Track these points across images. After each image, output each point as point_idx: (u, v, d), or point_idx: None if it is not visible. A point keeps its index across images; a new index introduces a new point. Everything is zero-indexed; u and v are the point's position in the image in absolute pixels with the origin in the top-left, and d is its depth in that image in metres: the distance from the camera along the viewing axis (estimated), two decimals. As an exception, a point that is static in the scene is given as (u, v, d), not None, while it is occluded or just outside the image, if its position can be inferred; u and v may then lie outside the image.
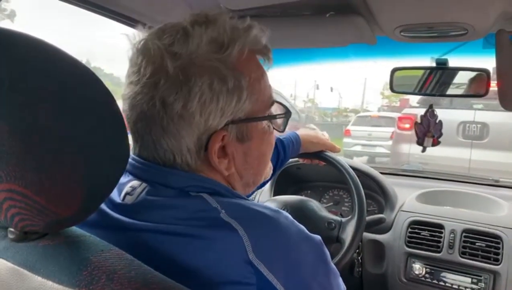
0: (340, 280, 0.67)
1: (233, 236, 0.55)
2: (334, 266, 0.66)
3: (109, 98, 0.51)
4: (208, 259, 0.55)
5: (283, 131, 0.74)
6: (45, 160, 0.47)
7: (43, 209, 0.49)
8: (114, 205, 0.63)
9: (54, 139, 0.47)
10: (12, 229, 0.52)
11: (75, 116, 0.48)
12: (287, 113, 0.73)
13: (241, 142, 0.66)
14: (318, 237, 0.64)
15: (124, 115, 0.64)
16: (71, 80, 0.48)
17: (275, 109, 0.71)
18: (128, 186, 0.65)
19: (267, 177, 0.79)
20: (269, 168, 0.78)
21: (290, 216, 0.62)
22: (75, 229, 0.56)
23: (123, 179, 0.67)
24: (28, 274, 0.49)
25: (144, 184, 0.64)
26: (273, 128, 0.71)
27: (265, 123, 0.68)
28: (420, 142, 1.42)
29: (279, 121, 0.73)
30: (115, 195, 0.65)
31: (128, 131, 0.60)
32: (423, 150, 1.43)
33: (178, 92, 0.59)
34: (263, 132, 0.69)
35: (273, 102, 0.70)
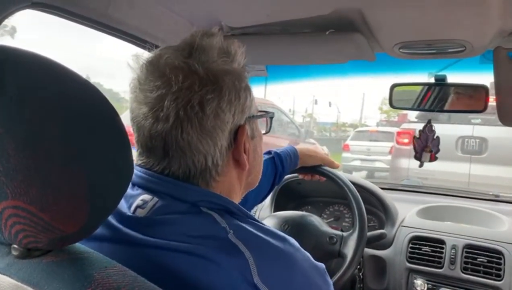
0: None
1: (240, 258, 0.56)
2: None
3: (113, 114, 0.52)
4: (214, 279, 0.55)
5: (268, 131, 0.84)
6: (50, 176, 0.47)
7: (48, 226, 0.49)
8: (123, 218, 0.63)
9: (60, 155, 0.47)
10: (15, 246, 0.52)
11: (80, 133, 0.48)
12: (270, 112, 0.81)
13: (252, 138, 0.72)
14: (322, 265, 0.66)
15: (137, 134, 0.67)
16: (76, 97, 0.49)
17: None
18: (139, 199, 0.65)
19: (256, 183, 0.80)
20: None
21: (296, 243, 0.63)
22: (79, 246, 0.56)
23: (133, 192, 0.67)
24: None
25: (156, 198, 0.65)
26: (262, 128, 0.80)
27: (262, 121, 0.77)
28: (418, 157, 1.42)
29: (268, 122, 0.85)
30: (123, 208, 0.65)
31: (133, 146, 0.61)
32: (421, 165, 1.44)
33: (213, 91, 0.63)
34: (260, 130, 0.76)
35: None
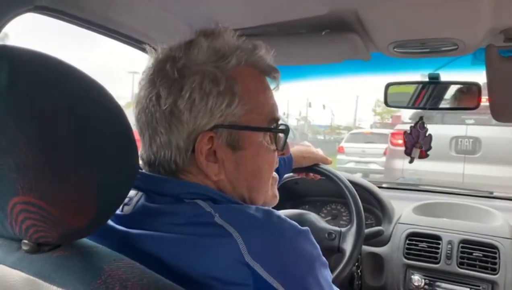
0: (328, 270, 0.68)
1: (228, 240, 0.57)
2: (324, 257, 0.67)
3: (120, 113, 0.53)
4: (205, 264, 0.57)
5: (282, 149, 0.74)
6: (60, 172, 0.49)
7: (57, 221, 0.50)
8: (115, 217, 0.66)
9: (69, 152, 0.49)
10: (26, 241, 0.53)
11: (89, 131, 0.50)
12: (284, 130, 0.73)
13: (233, 149, 0.67)
14: (307, 228, 0.65)
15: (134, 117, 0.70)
16: (85, 95, 0.51)
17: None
18: None
19: (269, 202, 0.77)
20: (271, 193, 0.77)
21: (282, 215, 0.63)
22: (86, 241, 0.57)
23: None
24: (43, 284, 0.50)
25: (140, 193, 0.67)
26: (268, 144, 0.71)
27: (260, 136, 0.69)
28: (408, 152, 1.43)
29: (278, 139, 0.73)
30: None
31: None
32: (411, 161, 1.45)
33: (170, 88, 0.64)
34: (259, 146, 0.69)
35: (274, 118, 0.71)
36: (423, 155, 1.40)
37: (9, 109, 0.46)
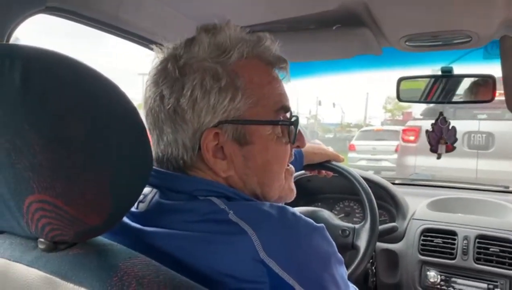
0: (344, 267, 0.67)
1: (243, 237, 0.57)
2: (339, 254, 0.66)
3: (134, 111, 0.53)
4: (219, 261, 0.56)
5: (293, 142, 0.72)
6: (75, 171, 0.49)
7: (73, 219, 0.50)
8: (130, 214, 0.66)
9: (84, 151, 0.48)
10: (42, 240, 0.54)
11: (104, 130, 0.50)
12: (294, 122, 0.71)
13: (240, 144, 0.66)
14: (322, 225, 0.64)
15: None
16: (98, 94, 0.51)
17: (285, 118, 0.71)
18: None
19: (285, 196, 0.76)
20: (287, 186, 0.76)
21: (296, 211, 0.63)
22: (101, 238, 0.58)
23: None
24: (60, 282, 0.50)
25: (154, 190, 0.67)
26: (280, 137, 0.69)
27: (269, 129, 0.67)
28: (434, 149, 1.42)
29: (289, 131, 0.71)
30: None
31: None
32: (438, 157, 1.43)
33: (172, 87, 0.64)
34: (267, 139, 0.68)
35: (282, 108, 0.69)
36: (450, 149, 1.38)
37: (24, 109, 0.46)
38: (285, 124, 0.70)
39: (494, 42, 1.15)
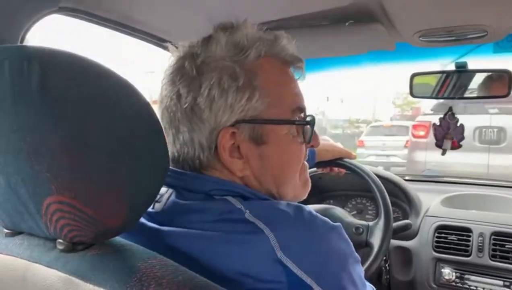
0: (361, 266, 0.67)
1: (260, 237, 0.56)
2: (356, 254, 0.65)
3: (150, 111, 0.53)
4: (236, 261, 0.56)
5: (308, 142, 0.72)
6: (93, 172, 0.49)
7: (91, 220, 0.50)
8: (147, 214, 0.66)
9: (102, 152, 0.48)
10: (61, 240, 0.54)
11: (120, 130, 0.50)
12: (309, 122, 0.71)
13: (256, 144, 0.66)
14: (339, 224, 0.64)
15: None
16: (116, 95, 0.50)
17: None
18: None
19: (299, 193, 0.76)
20: (301, 182, 0.75)
21: (313, 210, 0.62)
22: (119, 239, 0.58)
23: None
24: (80, 282, 0.50)
25: (170, 190, 0.67)
26: (295, 137, 0.69)
27: (285, 129, 0.67)
28: (439, 144, 1.41)
29: (304, 131, 0.70)
30: None
31: None
32: (443, 153, 1.42)
33: (189, 86, 0.64)
34: (283, 139, 0.68)
35: (298, 109, 0.69)
36: (455, 146, 1.37)
37: (42, 110, 0.46)
38: (301, 124, 0.70)
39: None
